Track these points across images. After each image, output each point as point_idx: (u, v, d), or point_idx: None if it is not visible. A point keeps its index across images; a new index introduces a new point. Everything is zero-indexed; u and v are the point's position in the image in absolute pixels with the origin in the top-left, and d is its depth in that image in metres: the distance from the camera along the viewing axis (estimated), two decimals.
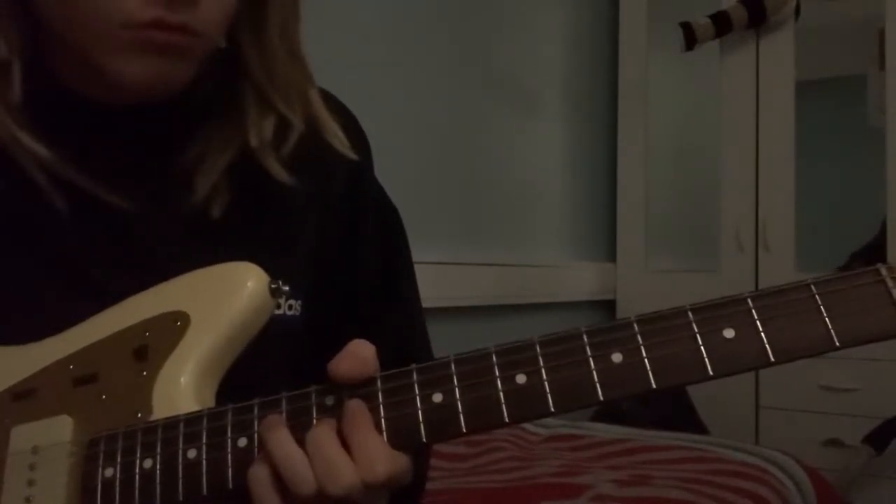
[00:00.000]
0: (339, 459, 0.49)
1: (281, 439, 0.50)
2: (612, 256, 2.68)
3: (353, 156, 0.71)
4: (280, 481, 0.50)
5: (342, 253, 0.73)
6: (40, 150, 0.61)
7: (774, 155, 2.41)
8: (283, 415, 0.52)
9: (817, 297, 0.48)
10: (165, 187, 0.65)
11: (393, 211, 0.79)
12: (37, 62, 0.62)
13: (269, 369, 0.62)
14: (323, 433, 0.50)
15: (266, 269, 0.59)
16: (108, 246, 0.64)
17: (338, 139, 0.70)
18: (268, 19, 0.64)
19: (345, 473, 0.49)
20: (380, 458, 0.49)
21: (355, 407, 0.51)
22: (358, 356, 0.52)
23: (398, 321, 0.77)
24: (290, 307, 0.68)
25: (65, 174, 0.62)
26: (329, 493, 0.48)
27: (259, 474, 0.50)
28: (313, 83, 0.69)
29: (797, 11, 2.43)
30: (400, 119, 1.88)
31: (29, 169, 0.61)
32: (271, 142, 0.66)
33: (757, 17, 2.39)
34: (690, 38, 2.40)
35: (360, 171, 0.75)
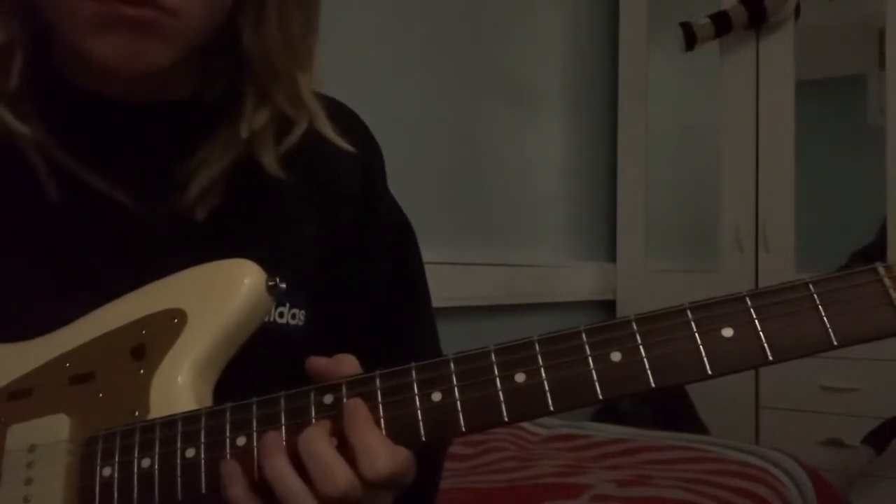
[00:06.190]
0: (332, 460, 0.49)
1: (280, 468, 0.50)
2: (612, 256, 2.68)
3: (357, 153, 0.70)
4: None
5: (351, 261, 0.72)
6: (38, 136, 0.61)
7: (774, 155, 2.41)
8: (283, 431, 0.52)
9: (815, 296, 0.48)
10: (167, 186, 0.65)
11: (405, 222, 0.78)
12: (47, 60, 0.63)
13: (270, 380, 0.61)
14: (315, 435, 0.50)
15: (265, 270, 0.59)
16: (106, 242, 0.64)
17: (341, 140, 0.69)
18: (267, 16, 0.64)
19: (339, 474, 0.49)
20: (381, 453, 0.49)
21: (354, 405, 0.51)
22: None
23: (409, 335, 0.76)
24: (294, 316, 0.67)
25: (65, 167, 0.62)
26: (327, 495, 0.48)
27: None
28: (319, 85, 0.69)
29: (797, 11, 2.43)
30: (399, 119, 1.87)
31: (30, 160, 0.61)
32: (269, 137, 0.66)
33: (757, 17, 2.39)
34: (690, 38, 2.40)
35: (372, 176, 0.74)
